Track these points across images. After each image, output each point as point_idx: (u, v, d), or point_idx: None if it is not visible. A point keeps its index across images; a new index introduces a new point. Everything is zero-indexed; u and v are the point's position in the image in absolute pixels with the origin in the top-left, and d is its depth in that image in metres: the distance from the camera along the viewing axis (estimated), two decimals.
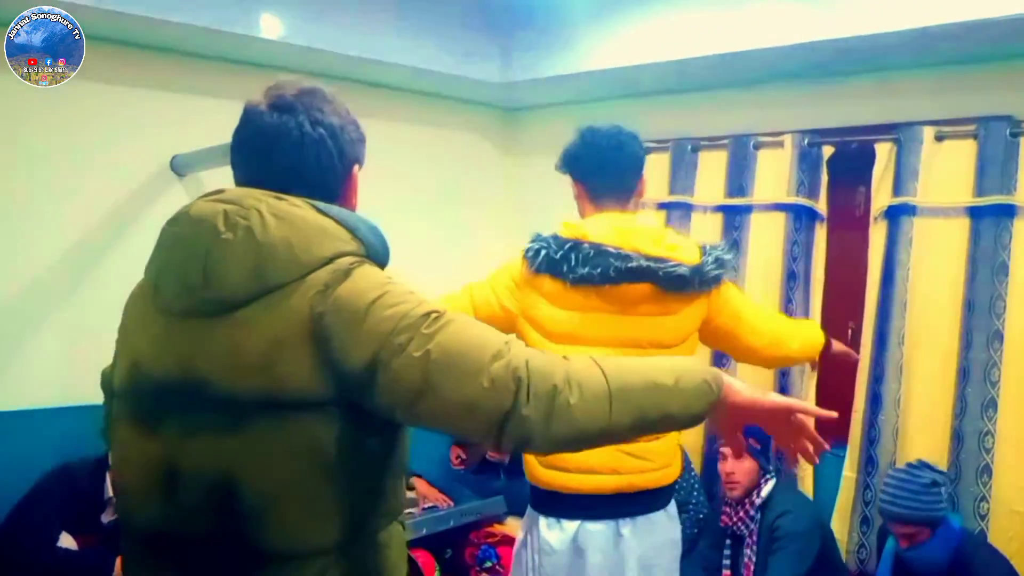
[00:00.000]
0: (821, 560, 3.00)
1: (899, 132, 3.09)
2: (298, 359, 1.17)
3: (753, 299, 2.76)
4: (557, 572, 2.21)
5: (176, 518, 1.24)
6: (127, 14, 2.78)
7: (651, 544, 2.22)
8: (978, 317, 2.92)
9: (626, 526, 2.20)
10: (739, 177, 3.52)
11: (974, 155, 2.94)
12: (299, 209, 1.24)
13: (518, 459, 2.81)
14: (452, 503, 3.62)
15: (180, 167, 3.26)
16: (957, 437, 2.97)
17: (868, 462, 3.15)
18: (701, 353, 2.55)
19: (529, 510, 2.33)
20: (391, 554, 1.32)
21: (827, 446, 1.44)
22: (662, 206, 3.74)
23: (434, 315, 1.19)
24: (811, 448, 1.43)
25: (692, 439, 3.52)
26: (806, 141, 3.33)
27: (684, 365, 1.32)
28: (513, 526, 3.40)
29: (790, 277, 3.38)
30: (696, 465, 3.55)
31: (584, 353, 1.29)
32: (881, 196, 3.14)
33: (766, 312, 2.53)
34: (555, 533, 2.22)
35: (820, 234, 3.36)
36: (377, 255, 1.29)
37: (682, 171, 3.69)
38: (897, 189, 3.09)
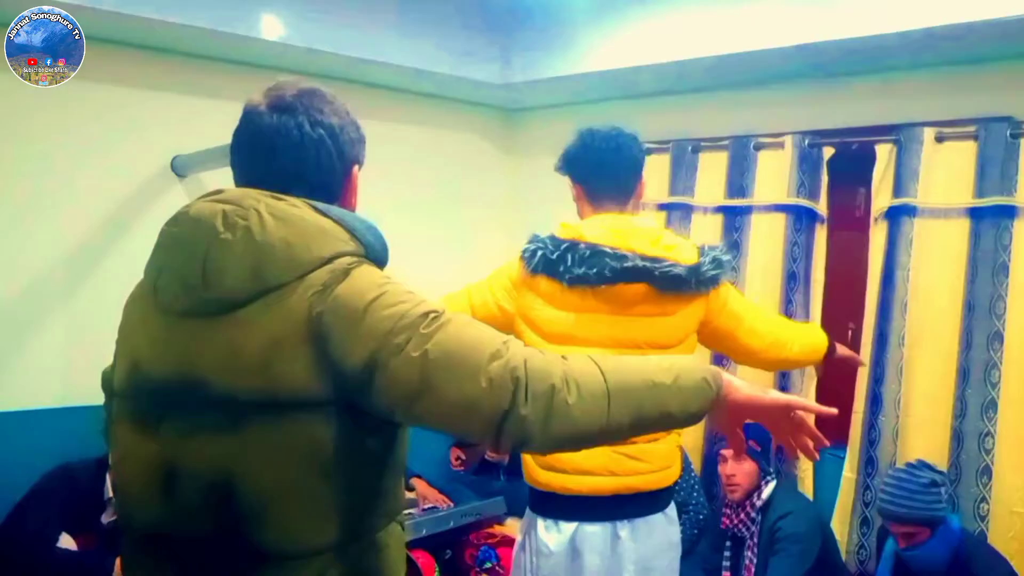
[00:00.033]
0: (822, 561, 3.00)
1: (899, 133, 3.09)
2: (297, 359, 1.17)
3: (753, 301, 2.76)
4: (554, 574, 2.21)
5: (175, 518, 1.24)
6: (127, 15, 2.78)
7: (649, 546, 2.21)
8: (978, 318, 2.92)
9: (624, 528, 2.19)
10: (739, 178, 3.52)
11: (974, 156, 2.94)
12: (298, 209, 1.24)
13: (518, 460, 2.81)
14: (452, 504, 3.62)
15: (181, 168, 3.27)
16: (957, 438, 2.97)
17: (868, 463, 3.15)
18: (701, 354, 2.54)
19: (527, 512, 2.33)
20: (390, 554, 1.32)
21: (827, 442, 1.44)
22: (662, 207, 3.74)
23: (432, 315, 1.19)
24: (811, 445, 1.43)
25: (692, 440, 3.52)
26: (806, 142, 3.33)
27: (683, 363, 1.32)
28: (513, 527, 3.40)
29: (790, 278, 3.38)
30: (696, 466, 3.55)
31: (581, 353, 1.28)
32: (881, 197, 3.14)
33: (766, 314, 2.51)
34: (552, 535, 2.22)
35: (820, 235, 3.36)
36: (376, 255, 1.29)
37: (682, 172, 3.69)
38: (897, 190, 3.09)
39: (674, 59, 3.27)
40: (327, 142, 1.32)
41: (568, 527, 2.21)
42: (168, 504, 1.23)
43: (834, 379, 3.18)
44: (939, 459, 2.89)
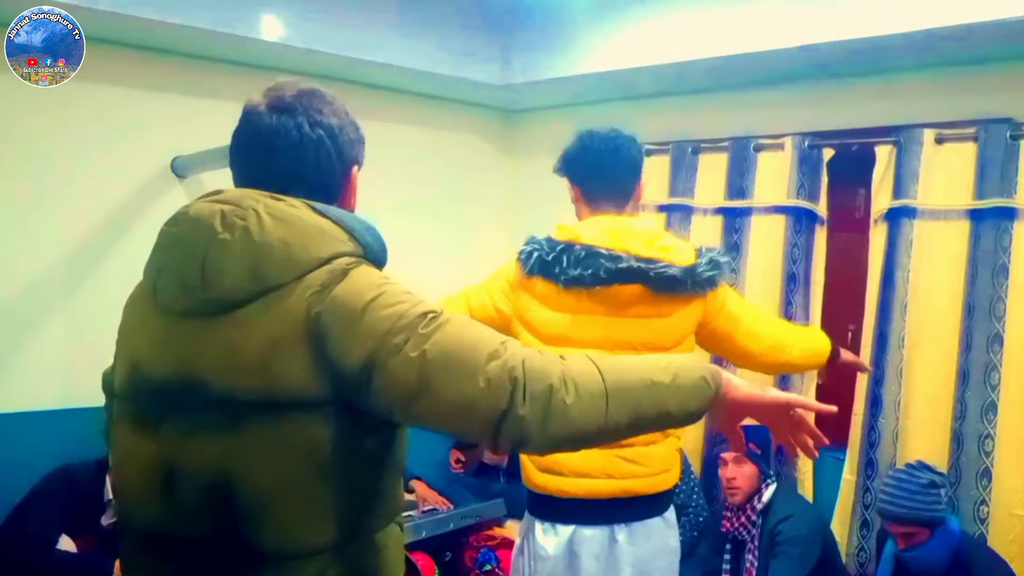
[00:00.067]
0: (822, 564, 3.00)
1: (899, 134, 3.10)
2: (295, 359, 1.17)
3: (753, 304, 2.75)
4: None
5: (174, 518, 1.24)
6: (127, 16, 2.78)
7: (647, 550, 2.20)
8: (978, 320, 2.92)
9: (621, 531, 2.18)
10: (739, 179, 3.52)
11: (974, 158, 2.94)
12: (296, 210, 1.24)
13: (517, 462, 2.81)
14: (452, 506, 3.62)
15: (181, 169, 3.27)
16: (957, 440, 2.97)
17: (868, 465, 3.15)
18: (700, 356, 2.54)
19: (526, 515, 2.32)
20: (389, 555, 1.32)
21: (826, 440, 1.44)
22: (662, 208, 3.74)
23: (431, 315, 1.19)
24: (811, 443, 1.43)
25: (692, 442, 3.51)
26: (806, 143, 3.34)
27: (681, 362, 1.31)
28: (513, 529, 3.39)
29: (790, 279, 3.38)
30: (696, 468, 3.55)
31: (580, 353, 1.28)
32: (881, 198, 3.15)
33: (766, 317, 2.50)
34: (550, 538, 2.21)
35: (820, 236, 3.36)
36: (375, 256, 1.29)
37: (682, 173, 3.69)
38: (897, 191, 3.09)
39: (674, 60, 3.28)
40: (326, 143, 1.32)
41: (565, 530, 2.20)
42: (167, 504, 1.23)
43: (834, 380, 3.18)
44: (939, 461, 2.89)
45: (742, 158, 3.51)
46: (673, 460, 2.27)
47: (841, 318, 3.33)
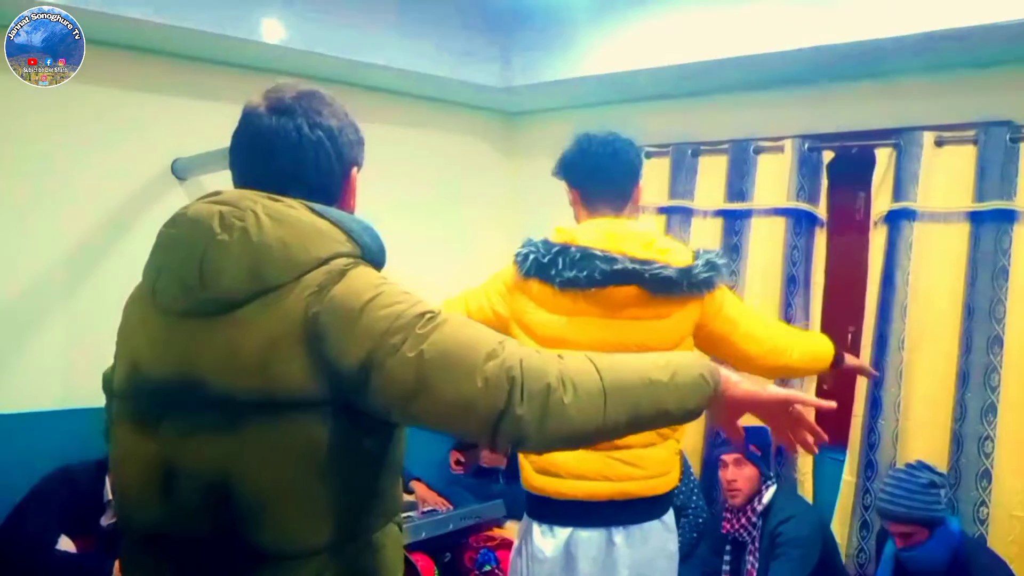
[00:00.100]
0: (822, 564, 3.00)
1: (899, 137, 3.10)
2: (293, 359, 1.17)
3: (754, 307, 2.74)
4: None
5: (173, 519, 1.24)
6: (128, 17, 2.78)
7: (644, 554, 2.20)
8: (978, 322, 2.92)
9: (618, 534, 2.18)
10: (739, 182, 3.52)
11: (974, 160, 2.94)
12: (294, 210, 1.24)
13: (517, 462, 2.82)
14: (451, 507, 3.62)
15: (181, 171, 3.27)
16: (957, 441, 2.97)
17: (868, 466, 3.15)
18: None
19: (524, 517, 2.32)
20: (387, 554, 1.32)
21: (825, 436, 1.43)
22: (662, 210, 3.74)
23: (428, 315, 1.19)
24: (811, 439, 1.42)
25: (692, 443, 3.51)
26: (806, 146, 3.34)
27: (680, 360, 1.31)
28: (512, 529, 3.39)
29: (790, 281, 3.38)
30: (695, 469, 3.55)
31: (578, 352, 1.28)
32: (881, 201, 3.15)
33: (766, 320, 2.49)
34: (547, 540, 2.21)
35: (820, 239, 3.36)
36: (373, 256, 1.29)
37: (682, 175, 3.69)
38: (897, 194, 3.09)
39: (674, 62, 3.28)
40: (326, 144, 1.32)
41: (563, 532, 2.20)
42: (167, 504, 1.23)
43: (834, 381, 3.18)
44: (939, 462, 2.89)
45: (742, 160, 3.51)
46: (672, 463, 2.26)
47: (841, 320, 3.33)
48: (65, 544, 2.70)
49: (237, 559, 1.22)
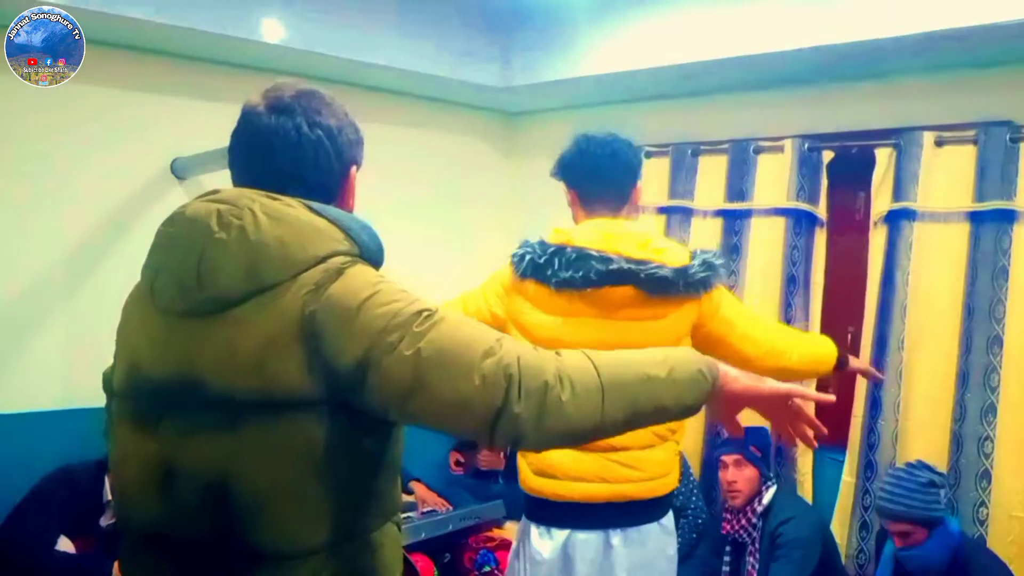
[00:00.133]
0: (822, 565, 2.99)
1: (899, 137, 3.10)
2: (290, 358, 1.17)
3: (753, 309, 2.74)
4: None
5: (173, 519, 1.24)
6: (128, 17, 2.78)
7: (642, 557, 2.19)
8: (978, 322, 2.92)
9: (616, 536, 2.18)
10: (739, 182, 3.52)
11: (974, 160, 2.94)
12: (292, 209, 1.24)
13: (516, 463, 2.81)
14: (451, 507, 3.61)
15: (180, 170, 3.27)
16: (956, 442, 2.97)
17: (867, 467, 3.15)
18: None
19: (523, 519, 2.32)
20: (385, 554, 1.32)
21: (825, 430, 1.43)
22: (662, 210, 3.74)
23: (426, 313, 1.19)
24: (810, 433, 1.42)
25: (691, 444, 3.51)
26: (806, 146, 3.34)
27: (678, 355, 1.31)
28: (512, 530, 3.39)
29: (790, 281, 3.38)
30: (695, 470, 3.55)
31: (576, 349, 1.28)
32: (881, 201, 3.15)
33: (765, 322, 2.48)
34: (545, 542, 2.21)
35: (820, 239, 3.36)
36: (371, 255, 1.29)
37: (682, 175, 3.69)
38: (897, 194, 3.09)
39: (674, 62, 3.28)
40: (325, 143, 1.32)
41: (560, 534, 2.20)
42: (166, 504, 1.23)
43: (835, 382, 3.18)
44: (938, 463, 2.89)
45: (742, 160, 3.51)
46: (671, 465, 2.26)
47: (841, 320, 3.33)
48: (64, 545, 2.70)
49: (235, 559, 1.22)
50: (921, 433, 3.04)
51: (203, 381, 1.20)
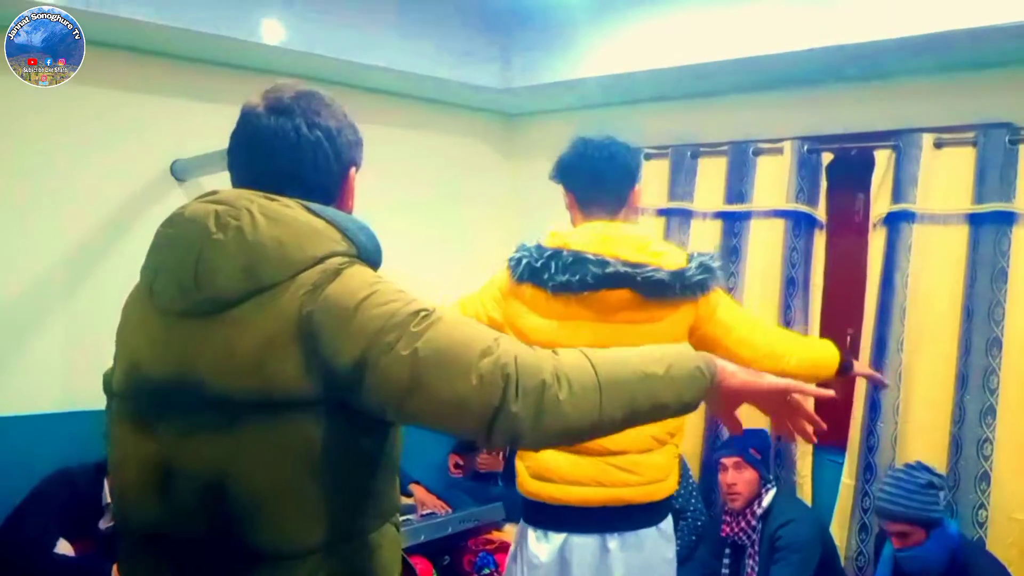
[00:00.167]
0: (822, 567, 2.99)
1: (898, 139, 3.10)
2: (287, 358, 1.17)
3: (752, 313, 2.73)
4: None
5: (171, 519, 1.24)
6: (128, 19, 2.78)
7: (639, 561, 2.19)
8: (977, 324, 2.92)
9: (613, 540, 2.18)
10: (738, 183, 3.52)
11: (973, 162, 2.94)
12: (290, 210, 1.25)
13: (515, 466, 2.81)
14: (450, 510, 3.61)
15: (180, 172, 3.27)
16: (956, 444, 2.97)
17: (866, 469, 3.15)
18: None
19: (520, 522, 2.32)
20: (383, 554, 1.32)
21: (824, 425, 1.42)
22: (661, 212, 3.74)
23: (423, 313, 1.19)
24: (809, 428, 1.41)
25: (691, 446, 3.51)
26: (805, 148, 3.34)
27: (675, 352, 1.30)
28: (511, 533, 3.39)
29: (789, 283, 3.38)
30: (695, 472, 3.54)
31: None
32: (880, 203, 3.15)
33: (763, 325, 2.47)
34: (542, 545, 2.21)
35: (819, 241, 3.36)
36: (369, 256, 1.29)
37: (681, 177, 3.69)
38: (896, 196, 3.09)
39: (673, 64, 3.28)
40: (324, 144, 1.32)
41: (557, 537, 2.20)
42: (164, 505, 1.23)
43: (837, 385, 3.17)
44: (938, 465, 2.89)
45: (741, 162, 3.51)
46: (670, 468, 2.25)
47: (840, 322, 3.33)
48: (63, 547, 2.70)
49: (234, 559, 1.21)
50: (920, 435, 3.04)
51: (202, 381, 1.20)
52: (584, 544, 2.18)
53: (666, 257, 2.15)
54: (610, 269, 2.08)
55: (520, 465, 2.27)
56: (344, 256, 1.24)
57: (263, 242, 1.20)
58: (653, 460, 2.19)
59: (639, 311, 2.12)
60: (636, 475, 2.17)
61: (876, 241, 3.15)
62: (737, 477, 3.06)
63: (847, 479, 3.22)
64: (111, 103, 3.17)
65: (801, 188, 3.34)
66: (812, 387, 1.46)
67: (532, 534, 2.24)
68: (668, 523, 2.28)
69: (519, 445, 1.19)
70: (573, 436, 1.22)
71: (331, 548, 1.24)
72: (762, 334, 2.33)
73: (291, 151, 1.30)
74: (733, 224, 3.55)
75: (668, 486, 2.25)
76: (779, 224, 3.39)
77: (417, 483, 3.68)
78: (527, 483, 2.23)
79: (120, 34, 2.99)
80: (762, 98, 3.51)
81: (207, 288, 1.21)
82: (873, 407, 3.13)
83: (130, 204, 3.21)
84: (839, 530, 3.22)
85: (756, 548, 3.06)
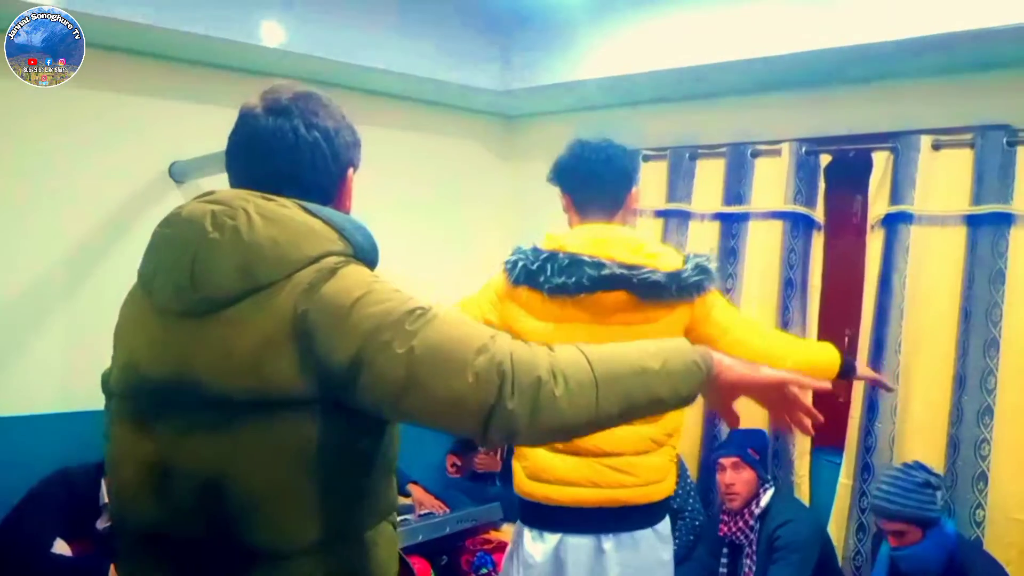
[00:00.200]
0: (820, 567, 3.00)
1: (896, 141, 3.10)
2: (283, 357, 1.18)
3: (749, 316, 2.73)
4: None
5: (170, 519, 1.24)
6: (127, 21, 2.79)
7: (634, 562, 2.19)
8: (975, 325, 2.92)
9: (608, 541, 2.18)
10: (737, 185, 3.52)
11: (971, 164, 2.94)
12: (287, 209, 1.25)
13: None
14: (448, 509, 3.61)
15: (179, 174, 3.27)
16: (953, 444, 2.97)
17: (864, 469, 3.15)
18: None
19: (517, 522, 2.33)
20: (380, 553, 1.32)
21: (821, 418, 1.42)
22: (660, 214, 3.74)
23: (419, 311, 1.19)
24: (807, 421, 1.41)
25: (688, 446, 3.51)
26: (803, 149, 3.34)
27: (671, 346, 1.30)
28: (509, 532, 3.39)
29: (787, 285, 3.38)
30: (692, 472, 3.55)
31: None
32: (878, 204, 3.15)
33: (760, 328, 2.47)
34: (538, 546, 2.22)
35: (817, 242, 3.36)
36: (365, 255, 1.29)
37: (680, 179, 3.69)
38: (894, 197, 3.09)
39: (672, 66, 3.28)
40: (322, 145, 1.33)
41: (552, 538, 2.20)
42: (162, 504, 1.24)
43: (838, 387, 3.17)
44: (935, 465, 2.89)
45: (739, 164, 3.51)
46: (667, 470, 2.25)
47: (838, 323, 3.33)
48: (61, 547, 2.70)
49: (232, 558, 1.22)
50: (918, 435, 3.04)
51: (199, 381, 1.20)
52: (579, 544, 2.18)
53: (662, 258, 2.15)
54: (606, 271, 2.08)
55: (517, 465, 2.27)
56: (340, 255, 1.25)
57: (259, 242, 1.21)
58: (650, 462, 2.19)
59: (635, 313, 2.13)
60: (632, 476, 2.17)
61: (874, 242, 3.15)
62: (735, 477, 3.06)
63: (845, 479, 3.22)
64: (110, 105, 3.17)
65: (799, 190, 3.34)
66: (809, 379, 1.46)
67: (528, 534, 2.24)
68: (665, 524, 2.28)
69: (515, 442, 1.19)
70: (569, 432, 1.22)
71: (328, 547, 1.24)
72: (759, 336, 2.32)
73: (289, 152, 1.31)
74: (731, 226, 3.55)
75: (665, 488, 2.25)
76: (777, 226, 3.39)
77: (415, 483, 3.69)
78: (523, 483, 2.24)
79: (119, 36, 2.99)
80: (760, 100, 3.51)
81: (203, 288, 1.21)
82: (871, 407, 3.13)
83: (129, 205, 3.21)
84: (837, 530, 3.22)
85: (754, 548, 3.06)
